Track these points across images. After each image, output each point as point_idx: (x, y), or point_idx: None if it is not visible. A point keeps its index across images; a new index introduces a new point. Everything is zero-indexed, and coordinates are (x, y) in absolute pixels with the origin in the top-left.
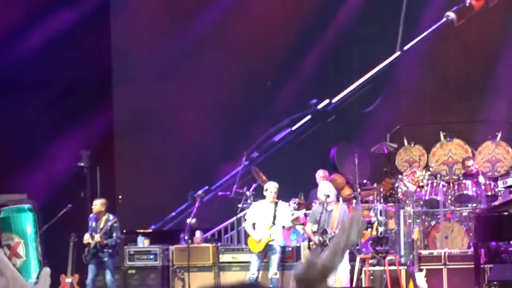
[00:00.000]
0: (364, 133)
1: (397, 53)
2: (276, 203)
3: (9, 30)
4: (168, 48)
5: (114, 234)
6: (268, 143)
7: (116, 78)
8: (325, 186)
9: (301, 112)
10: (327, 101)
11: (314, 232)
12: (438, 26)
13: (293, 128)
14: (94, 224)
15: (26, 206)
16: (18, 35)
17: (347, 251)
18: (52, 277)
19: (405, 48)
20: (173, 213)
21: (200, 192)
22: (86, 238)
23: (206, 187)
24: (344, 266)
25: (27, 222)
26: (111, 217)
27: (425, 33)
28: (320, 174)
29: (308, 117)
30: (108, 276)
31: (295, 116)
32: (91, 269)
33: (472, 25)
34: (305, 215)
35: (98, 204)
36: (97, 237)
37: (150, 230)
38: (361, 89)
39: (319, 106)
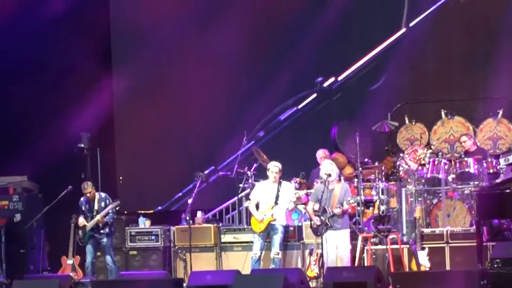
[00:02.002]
0: (365, 111)
1: (403, 30)
2: (279, 183)
3: (7, 11)
4: (168, 26)
5: (110, 212)
6: (274, 122)
7: (115, 59)
8: (327, 165)
9: (306, 90)
10: (332, 79)
11: (315, 211)
12: (443, 2)
13: (299, 106)
14: (87, 206)
15: None
16: (16, 16)
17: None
18: (54, 259)
19: (411, 24)
20: (180, 193)
21: (205, 172)
22: (81, 221)
23: (212, 167)
24: (345, 246)
25: None
26: (102, 195)
27: (431, 8)
28: (320, 154)
29: (314, 95)
30: (108, 257)
31: (301, 95)
32: (89, 251)
33: (476, 1)
34: (307, 194)
35: (90, 188)
36: (98, 217)
37: (151, 211)
38: (367, 67)
39: (325, 84)
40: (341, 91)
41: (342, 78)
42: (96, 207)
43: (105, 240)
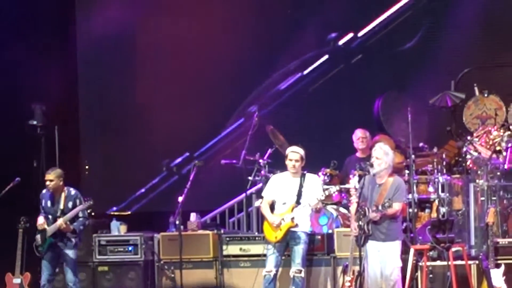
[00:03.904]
0: (421, 79)
1: None
2: (303, 176)
3: None
4: None
5: (81, 214)
6: (272, 92)
7: (80, 7)
8: (377, 151)
9: (315, 50)
10: (351, 35)
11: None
12: None
13: (305, 72)
14: (49, 203)
15: None
16: None
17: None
18: None
19: None
20: (142, 190)
21: (178, 161)
22: (41, 222)
23: (187, 154)
24: (392, 262)
25: None
26: (72, 192)
27: None
28: (358, 134)
29: (325, 57)
30: (70, 274)
31: (308, 56)
32: (46, 265)
33: None
34: (340, 191)
35: (53, 178)
36: (61, 221)
37: (128, 213)
38: (396, 20)
39: (340, 42)
40: (362, 52)
41: (364, 33)
42: (61, 206)
43: (68, 252)
